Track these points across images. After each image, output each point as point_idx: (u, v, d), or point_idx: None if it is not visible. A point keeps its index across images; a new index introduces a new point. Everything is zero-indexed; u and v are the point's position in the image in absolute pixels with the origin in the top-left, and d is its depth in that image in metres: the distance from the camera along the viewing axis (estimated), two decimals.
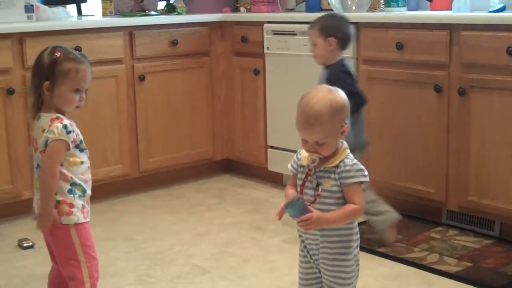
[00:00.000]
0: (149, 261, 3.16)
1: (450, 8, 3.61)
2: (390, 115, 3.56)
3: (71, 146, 2.26)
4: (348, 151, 2.06)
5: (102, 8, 4.47)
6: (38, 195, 2.29)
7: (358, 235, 2.11)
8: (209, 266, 3.09)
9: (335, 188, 2.02)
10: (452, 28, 3.27)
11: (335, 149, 2.04)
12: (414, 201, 3.57)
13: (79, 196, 2.29)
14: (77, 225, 2.28)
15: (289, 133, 4.07)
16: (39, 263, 3.16)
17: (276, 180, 4.32)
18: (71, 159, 2.27)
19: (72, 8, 4.63)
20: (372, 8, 3.92)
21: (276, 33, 4.08)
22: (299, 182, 2.09)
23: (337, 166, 2.02)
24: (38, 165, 2.29)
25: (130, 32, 4.01)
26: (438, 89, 3.31)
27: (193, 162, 4.37)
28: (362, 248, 3.16)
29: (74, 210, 2.27)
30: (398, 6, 3.85)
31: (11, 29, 3.59)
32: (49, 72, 2.25)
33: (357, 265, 2.13)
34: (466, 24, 3.22)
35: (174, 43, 4.16)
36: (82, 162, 2.31)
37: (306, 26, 3.91)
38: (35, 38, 3.65)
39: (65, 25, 3.81)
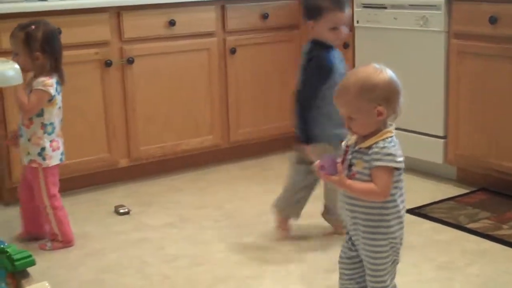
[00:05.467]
0: (238, 229, 3.26)
1: None
2: (480, 90, 3.52)
3: None
4: (390, 135, 2.01)
5: None
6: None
7: (399, 221, 2.06)
8: (297, 236, 3.16)
9: (367, 171, 2.00)
10: None
11: (372, 130, 2.01)
12: (504, 178, 3.52)
13: None
14: None
15: None
16: (134, 228, 3.31)
17: None
18: None
19: None
20: None
21: (366, 6, 4.07)
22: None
23: (369, 148, 2.00)
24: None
25: (222, 5, 4.08)
26: None
27: (282, 134, 4.41)
28: (449, 224, 3.18)
29: None
30: None
31: (109, 3, 3.70)
32: None
33: (394, 251, 2.08)
34: None
35: (265, 16, 4.21)
36: None
37: None
38: (132, 12, 3.78)
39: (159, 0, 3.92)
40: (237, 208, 3.55)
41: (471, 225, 3.18)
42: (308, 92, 2.89)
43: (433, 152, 3.82)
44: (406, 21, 3.84)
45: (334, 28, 2.89)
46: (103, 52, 3.72)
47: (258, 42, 4.24)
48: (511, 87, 3.38)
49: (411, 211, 3.37)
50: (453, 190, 3.63)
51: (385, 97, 1.99)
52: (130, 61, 3.79)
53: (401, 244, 2.10)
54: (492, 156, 3.52)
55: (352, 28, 4.14)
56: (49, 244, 3.09)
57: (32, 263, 2.65)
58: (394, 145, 2.00)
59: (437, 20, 3.68)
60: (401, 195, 2.06)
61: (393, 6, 3.91)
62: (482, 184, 3.67)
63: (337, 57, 2.95)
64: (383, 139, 1.99)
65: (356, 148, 2.04)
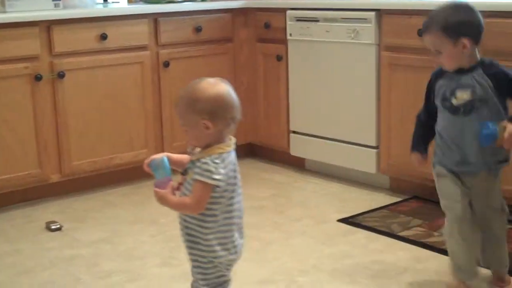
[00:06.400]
0: (173, 243, 3.23)
1: None
2: (411, 101, 3.59)
3: None
4: (219, 151, 2.03)
5: None
6: None
7: (220, 235, 2.08)
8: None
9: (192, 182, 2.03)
10: None
11: (206, 143, 2.04)
12: (434, 186, 3.59)
13: None
14: None
15: (311, 118, 4.12)
16: (66, 245, 3.25)
17: (298, 164, 4.37)
18: None
19: None
20: None
21: (299, 19, 4.12)
22: None
23: (198, 160, 2.02)
24: None
25: (155, 19, 4.06)
26: None
27: None
28: (382, 232, 3.23)
29: None
30: None
31: (39, 17, 3.66)
32: None
33: (218, 270, 2.13)
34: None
35: (198, 29, 4.21)
36: None
37: (328, 12, 3.96)
38: (62, 26, 3.73)
39: (91, 13, 3.87)
40: (172, 222, 3.51)
41: (403, 233, 3.23)
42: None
43: (366, 162, 3.88)
44: (338, 34, 3.90)
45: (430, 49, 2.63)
46: (33, 66, 3.66)
47: (192, 55, 4.23)
48: None
49: (344, 221, 3.42)
50: (386, 199, 3.69)
51: (210, 111, 2.01)
52: (61, 75, 3.73)
53: (228, 264, 2.13)
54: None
55: (285, 41, 4.19)
56: None
57: None
58: (218, 162, 2.00)
59: (368, 33, 3.75)
60: (228, 211, 2.07)
61: (325, 19, 3.97)
62: (415, 192, 3.74)
63: (449, 80, 2.63)
64: (210, 155, 2.01)
65: (192, 159, 2.06)
